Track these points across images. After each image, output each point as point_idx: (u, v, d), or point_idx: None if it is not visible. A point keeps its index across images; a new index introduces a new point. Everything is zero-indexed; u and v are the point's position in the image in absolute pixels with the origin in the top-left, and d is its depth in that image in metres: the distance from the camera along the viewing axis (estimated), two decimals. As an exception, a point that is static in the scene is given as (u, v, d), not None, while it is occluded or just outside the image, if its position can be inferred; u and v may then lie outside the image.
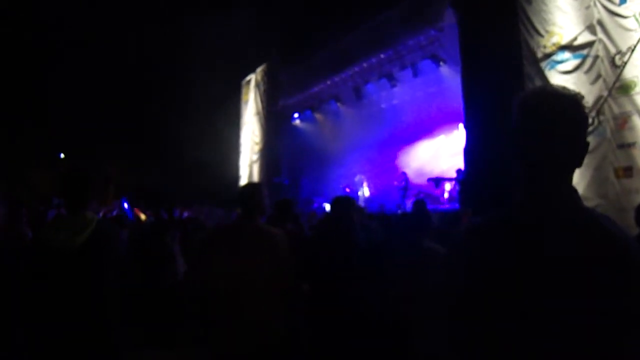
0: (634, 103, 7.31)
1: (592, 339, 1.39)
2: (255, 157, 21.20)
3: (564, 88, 1.61)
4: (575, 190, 1.57)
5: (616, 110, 7.53)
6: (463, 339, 1.63)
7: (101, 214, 10.39)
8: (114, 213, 10.91)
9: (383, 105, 18.95)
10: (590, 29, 7.97)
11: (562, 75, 8.29)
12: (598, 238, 1.47)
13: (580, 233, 1.48)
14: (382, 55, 15.70)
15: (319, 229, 6.37)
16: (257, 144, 21.10)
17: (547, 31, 8.65)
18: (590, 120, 1.64)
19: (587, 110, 1.58)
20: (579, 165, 1.57)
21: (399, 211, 14.06)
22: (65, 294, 3.15)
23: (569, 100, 1.56)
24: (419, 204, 7.73)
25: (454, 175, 14.73)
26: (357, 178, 19.27)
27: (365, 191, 18.85)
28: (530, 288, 1.45)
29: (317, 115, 20.41)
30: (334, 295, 4.17)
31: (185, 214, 11.97)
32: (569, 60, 8.31)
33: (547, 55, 8.63)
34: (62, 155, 26.96)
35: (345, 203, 4.74)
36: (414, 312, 3.94)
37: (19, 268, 3.54)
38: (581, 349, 1.40)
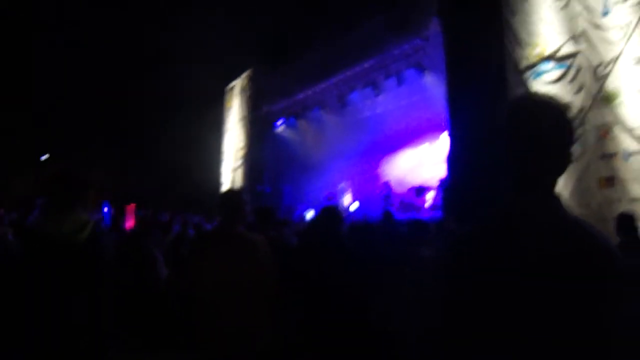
0: (615, 114, 7.37)
1: (574, 343, 1.39)
2: (238, 163, 21.14)
3: (551, 97, 1.62)
4: (559, 197, 1.57)
5: (598, 120, 7.58)
6: (453, 347, 1.62)
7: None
8: (97, 215, 10.85)
9: (367, 114, 18.98)
10: (574, 40, 8.03)
11: (546, 85, 8.34)
12: (582, 244, 1.47)
13: (565, 239, 1.48)
14: (366, 64, 15.76)
15: (305, 238, 6.36)
16: (240, 150, 21.04)
17: (531, 42, 8.72)
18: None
19: (572, 119, 1.59)
20: (562, 172, 1.58)
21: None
22: (65, 289, 3.11)
23: (557, 107, 1.56)
24: (387, 214, 7.76)
25: (437, 183, 14.80)
26: (340, 186, 19.28)
27: (347, 200, 18.86)
28: (514, 294, 1.45)
29: (301, 123, 20.39)
30: (324, 304, 4.14)
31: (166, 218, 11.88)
32: (552, 71, 8.37)
33: (531, 66, 8.69)
34: (44, 157, 26.69)
35: (333, 213, 4.70)
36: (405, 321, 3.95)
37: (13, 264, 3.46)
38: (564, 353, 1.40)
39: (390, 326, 4.26)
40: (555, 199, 1.57)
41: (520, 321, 1.44)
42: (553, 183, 1.58)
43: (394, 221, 8.21)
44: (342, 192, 19.10)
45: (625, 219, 5.56)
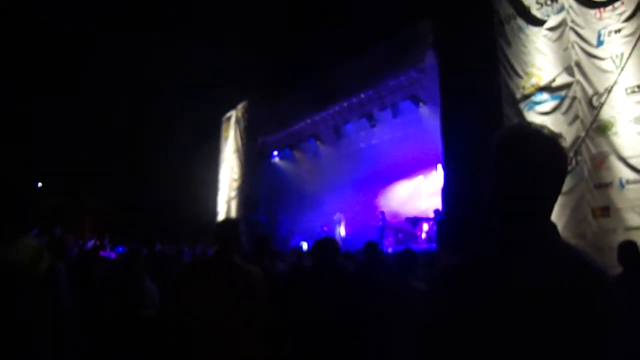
0: (610, 143, 7.40)
1: None
2: (233, 193, 21.10)
3: (542, 126, 1.60)
4: (554, 226, 1.55)
5: (593, 150, 7.62)
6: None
7: (76, 248, 10.26)
8: (89, 245, 10.78)
9: (362, 145, 19.07)
10: (568, 70, 8.10)
11: (541, 116, 8.38)
12: (577, 272, 1.45)
13: (560, 267, 1.45)
14: (362, 95, 15.85)
15: (302, 268, 6.34)
16: (235, 180, 21.02)
17: (526, 72, 8.78)
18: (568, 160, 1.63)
19: (565, 150, 1.57)
20: (554, 202, 1.55)
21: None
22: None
23: (547, 138, 1.54)
24: (371, 245, 7.72)
25: (432, 215, 14.75)
26: (335, 217, 19.23)
27: (342, 230, 18.79)
28: (507, 323, 1.41)
29: (296, 154, 20.45)
30: (321, 334, 4.09)
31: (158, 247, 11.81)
32: (547, 102, 8.42)
33: (526, 96, 8.75)
34: (40, 185, 26.64)
35: (329, 246, 4.67)
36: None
37: None
38: None
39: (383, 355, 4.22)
40: (550, 229, 1.54)
41: (516, 354, 1.40)
42: (547, 213, 1.54)
43: (378, 251, 8.14)
44: (337, 223, 19.04)
45: (628, 248, 5.48)
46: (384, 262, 7.39)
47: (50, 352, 3.12)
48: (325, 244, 4.67)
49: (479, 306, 1.48)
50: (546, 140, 1.53)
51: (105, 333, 5.74)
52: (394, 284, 4.88)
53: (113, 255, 11.15)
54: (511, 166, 1.53)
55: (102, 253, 11.02)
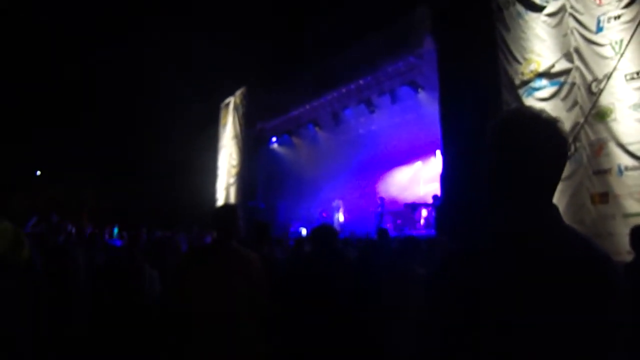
0: (609, 129, 7.40)
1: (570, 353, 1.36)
2: (232, 180, 21.07)
3: (541, 110, 1.59)
4: (556, 208, 1.54)
5: (592, 136, 7.61)
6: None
7: (74, 230, 10.28)
8: (89, 230, 10.78)
9: (361, 131, 19.06)
10: (568, 56, 8.09)
11: (540, 102, 8.37)
12: (580, 256, 1.44)
13: (562, 252, 1.45)
14: (361, 81, 15.81)
15: (302, 254, 6.36)
16: (234, 167, 20.98)
17: (525, 58, 8.77)
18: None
19: (565, 133, 1.57)
20: (554, 186, 1.55)
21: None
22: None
23: (547, 121, 1.53)
24: (382, 232, 7.74)
25: (431, 201, 14.79)
26: (334, 203, 19.26)
27: (340, 217, 18.83)
28: (510, 306, 1.42)
29: (295, 140, 20.43)
30: (319, 319, 4.11)
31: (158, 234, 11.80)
32: (546, 88, 8.41)
33: (525, 82, 8.73)
34: (39, 173, 26.64)
35: (328, 233, 4.68)
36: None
37: None
38: None
39: (384, 341, 4.24)
40: (552, 212, 1.54)
41: (518, 336, 1.41)
42: (547, 197, 1.54)
43: (389, 238, 8.19)
44: (336, 209, 19.07)
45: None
46: (389, 248, 7.41)
47: (31, 341, 3.09)
48: (323, 230, 4.69)
49: (481, 293, 1.48)
50: (546, 123, 1.54)
51: (105, 319, 5.76)
52: (396, 270, 4.89)
53: (119, 242, 11.15)
54: (511, 150, 1.53)
55: (109, 241, 11.05)
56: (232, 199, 20.37)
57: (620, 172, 7.23)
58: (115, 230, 14.82)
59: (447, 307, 1.58)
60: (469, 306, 1.49)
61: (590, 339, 1.35)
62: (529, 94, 8.64)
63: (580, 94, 7.85)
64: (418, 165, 18.66)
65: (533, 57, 8.64)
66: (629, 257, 5.21)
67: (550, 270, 1.41)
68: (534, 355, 1.39)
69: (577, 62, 7.93)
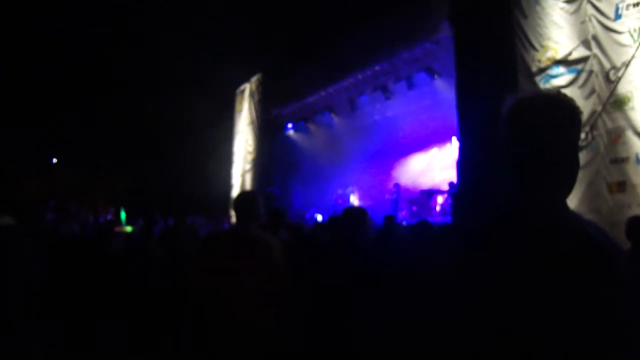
0: (627, 118, 7.32)
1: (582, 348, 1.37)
2: (248, 166, 21.16)
3: (559, 92, 1.59)
4: (563, 198, 1.55)
5: (610, 125, 7.54)
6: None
7: (91, 218, 10.38)
8: (108, 217, 10.88)
9: (377, 117, 19.00)
10: (585, 44, 8.00)
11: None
12: (582, 245, 1.45)
13: (569, 239, 1.46)
14: (377, 67, 15.76)
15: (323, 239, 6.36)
16: (250, 153, 21.06)
17: (542, 45, 8.68)
18: (584, 135, 1.61)
19: (579, 112, 1.56)
20: (571, 173, 1.54)
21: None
22: None
23: (561, 101, 1.54)
24: (389, 218, 7.75)
25: (447, 188, 14.76)
26: (349, 189, 19.29)
27: (355, 203, 18.86)
28: (518, 294, 1.43)
29: (311, 126, 20.42)
30: (339, 306, 4.12)
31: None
32: (563, 75, 8.33)
33: (542, 70, 8.66)
34: (55, 161, 26.87)
35: (359, 215, 4.66)
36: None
37: None
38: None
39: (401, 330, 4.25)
40: (561, 200, 1.54)
41: (525, 324, 1.41)
42: (561, 183, 1.53)
43: (396, 225, 8.18)
44: (351, 195, 19.11)
45: (637, 223, 5.44)
46: (398, 233, 7.42)
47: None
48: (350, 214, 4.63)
49: (487, 277, 1.50)
50: (563, 103, 1.54)
51: (121, 305, 5.83)
52: (406, 254, 4.89)
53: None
54: (527, 131, 1.53)
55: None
56: (248, 185, 20.49)
57: (638, 161, 7.16)
58: (123, 215, 14.83)
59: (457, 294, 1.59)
60: (476, 292, 1.51)
61: (595, 329, 1.36)
62: (546, 81, 8.57)
63: (598, 82, 7.76)
64: (434, 151, 18.60)
65: (550, 44, 8.55)
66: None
67: (555, 257, 1.42)
68: (543, 344, 1.39)
69: (595, 50, 7.84)
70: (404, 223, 13.85)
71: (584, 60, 8.03)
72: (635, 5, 7.33)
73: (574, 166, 1.54)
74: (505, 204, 1.60)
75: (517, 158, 1.55)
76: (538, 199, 1.52)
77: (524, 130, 1.54)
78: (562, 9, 8.41)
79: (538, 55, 8.74)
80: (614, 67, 7.55)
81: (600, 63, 7.77)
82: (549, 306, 1.38)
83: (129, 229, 10.00)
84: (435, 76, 14.49)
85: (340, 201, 18.74)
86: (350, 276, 4.16)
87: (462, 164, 10.38)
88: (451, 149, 16.06)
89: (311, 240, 7.32)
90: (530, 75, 8.80)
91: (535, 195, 1.52)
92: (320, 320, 4.18)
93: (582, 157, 1.48)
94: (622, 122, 7.40)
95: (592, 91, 7.85)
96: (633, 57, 7.29)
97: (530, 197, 1.53)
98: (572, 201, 7.27)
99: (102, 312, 5.74)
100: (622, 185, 7.30)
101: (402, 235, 7.18)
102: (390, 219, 8.40)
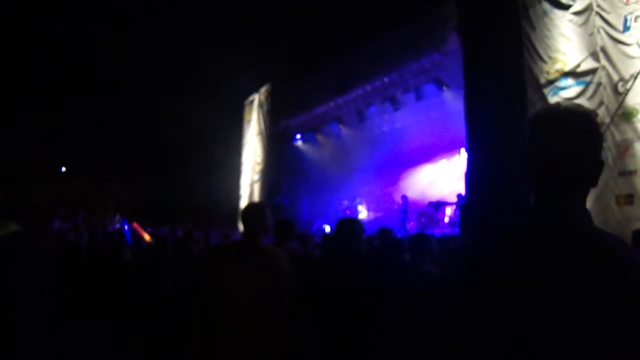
0: (635, 130, 7.31)
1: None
2: (256, 177, 21.18)
3: (579, 105, 1.60)
4: (586, 209, 1.56)
5: (618, 137, 7.53)
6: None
7: (100, 230, 10.40)
8: (116, 227, 10.89)
9: (385, 128, 19.01)
10: (594, 55, 8.00)
11: (565, 102, 8.28)
12: (602, 257, 1.44)
13: (589, 251, 1.46)
14: (385, 79, 15.75)
15: (326, 250, 6.36)
16: (258, 164, 21.08)
17: (550, 57, 8.69)
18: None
19: (600, 127, 1.57)
20: (594, 184, 1.55)
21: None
22: None
23: (582, 116, 1.55)
24: (384, 231, 7.72)
25: (455, 199, 14.73)
26: (356, 201, 19.29)
27: (363, 214, 18.85)
28: (533, 306, 1.43)
29: (319, 137, 20.46)
30: (342, 316, 4.13)
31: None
32: (571, 87, 8.33)
33: (550, 82, 8.66)
34: (64, 169, 27.00)
35: (352, 225, 4.68)
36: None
37: None
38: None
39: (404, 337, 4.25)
40: (583, 210, 1.55)
41: (545, 333, 1.42)
42: (581, 193, 1.56)
43: (391, 237, 8.10)
44: (360, 206, 19.11)
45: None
46: (395, 246, 7.39)
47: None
48: (345, 225, 4.65)
49: (504, 286, 1.50)
50: (580, 116, 1.54)
51: (130, 316, 5.86)
52: (402, 267, 4.90)
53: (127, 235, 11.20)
54: (544, 142, 1.53)
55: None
56: (256, 196, 20.49)
57: (647, 173, 7.16)
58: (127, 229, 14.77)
59: (476, 303, 1.60)
60: (494, 301, 1.52)
61: (611, 343, 1.34)
62: (555, 93, 8.57)
63: (606, 94, 7.76)
64: (442, 163, 18.57)
65: (559, 56, 8.56)
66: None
67: (576, 270, 1.42)
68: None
69: (604, 62, 7.83)
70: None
71: (592, 72, 8.03)
72: (644, 17, 7.34)
73: (596, 175, 1.55)
74: (527, 216, 1.61)
75: (537, 168, 1.56)
76: (559, 206, 1.53)
77: (546, 138, 1.54)
78: (570, 20, 8.42)
79: (546, 67, 8.75)
80: (622, 79, 7.54)
81: (608, 75, 7.77)
82: (567, 313, 1.38)
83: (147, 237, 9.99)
84: (444, 87, 14.49)
85: (348, 212, 18.72)
86: (347, 285, 4.17)
87: (471, 176, 10.36)
88: (459, 161, 16.05)
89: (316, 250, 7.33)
90: (539, 87, 8.80)
91: (558, 202, 1.53)
92: (329, 328, 4.20)
93: (603, 161, 1.50)
94: (630, 135, 7.39)
95: (601, 103, 7.84)
96: (641, 69, 7.29)
97: (550, 203, 1.54)
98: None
99: (112, 320, 5.77)
100: (631, 198, 7.28)
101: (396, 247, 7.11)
102: (384, 232, 8.34)
